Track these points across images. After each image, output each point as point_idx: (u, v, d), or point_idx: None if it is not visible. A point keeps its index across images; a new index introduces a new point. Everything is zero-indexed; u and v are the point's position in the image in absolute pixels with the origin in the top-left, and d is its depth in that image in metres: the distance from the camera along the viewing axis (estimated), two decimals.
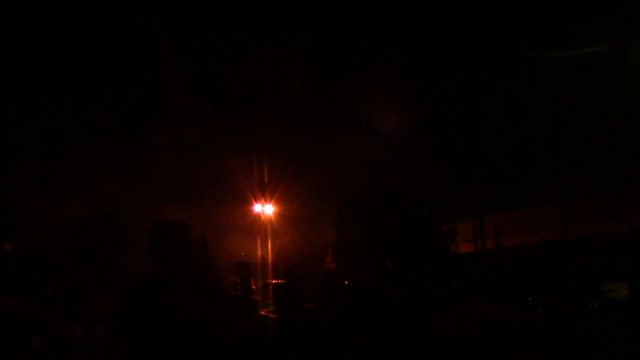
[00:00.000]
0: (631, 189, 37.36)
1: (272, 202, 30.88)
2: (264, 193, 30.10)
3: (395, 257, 21.66)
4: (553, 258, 7.67)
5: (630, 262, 6.09)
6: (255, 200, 30.80)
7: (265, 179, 29.66)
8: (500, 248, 38.52)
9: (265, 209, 31.16)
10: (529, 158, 65.57)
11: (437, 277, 11.84)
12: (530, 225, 41.24)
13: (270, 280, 20.87)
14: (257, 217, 31.32)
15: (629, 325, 7.35)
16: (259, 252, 29.97)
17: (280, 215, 31.25)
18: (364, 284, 7.23)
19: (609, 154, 65.55)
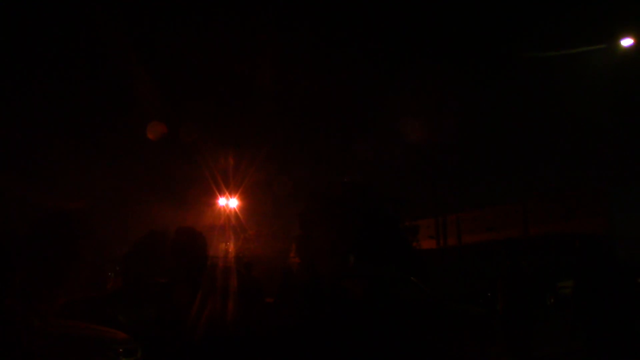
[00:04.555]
0: (590, 190, 38.33)
1: (237, 196, 30.72)
2: (228, 187, 29.92)
3: (358, 253, 21.81)
4: (512, 255, 7.78)
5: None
6: (220, 194, 30.60)
7: (231, 173, 29.49)
8: (462, 245, 39.09)
9: (229, 203, 30.99)
10: (492, 157, 66.65)
11: (396, 273, 11.97)
12: (492, 223, 41.94)
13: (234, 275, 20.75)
14: (221, 211, 31.15)
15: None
16: (223, 246, 29.79)
17: (244, 209, 31.13)
18: (322, 281, 7.29)
19: (569, 154, 67.07)
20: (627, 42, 16.51)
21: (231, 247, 29.07)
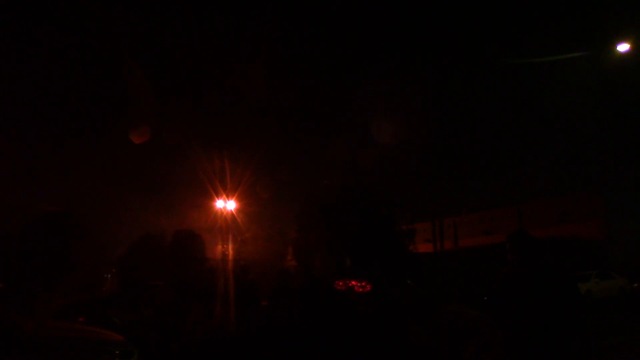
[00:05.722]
0: (585, 193, 38.49)
1: (234, 198, 30.68)
2: (225, 189, 29.90)
3: (354, 255, 21.85)
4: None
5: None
6: (217, 197, 30.55)
7: (228, 176, 29.47)
8: (459, 248, 39.16)
9: (227, 205, 30.95)
10: (488, 161, 66.85)
11: (392, 275, 11.98)
12: (488, 227, 42.06)
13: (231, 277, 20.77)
14: (219, 214, 31.11)
15: None
16: (220, 249, 29.77)
17: (242, 212, 31.11)
18: (318, 282, 7.31)
19: (565, 158, 67.28)
20: (623, 47, 16.59)
21: (228, 249, 29.07)
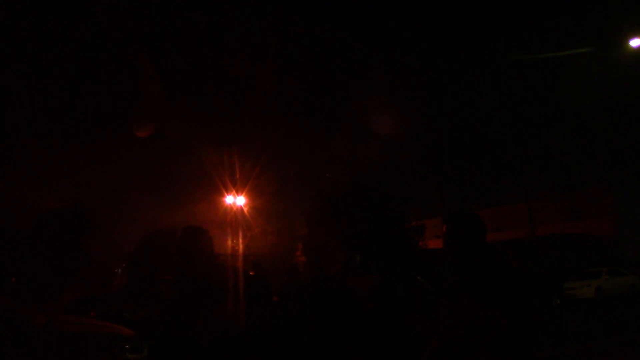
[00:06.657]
0: (595, 190, 38.22)
1: (244, 194, 30.71)
2: (235, 185, 29.94)
3: (364, 251, 21.85)
4: (519, 255, 7.75)
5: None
6: (227, 192, 30.58)
7: (237, 171, 29.51)
8: None
9: (236, 201, 30.98)
10: (499, 157, 66.53)
11: (401, 272, 11.96)
12: (499, 223, 41.87)
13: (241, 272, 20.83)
14: (228, 209, 31.16)
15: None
16: (230, 244, 29.84)
17: (251, 207, 31.14)
18: (327, 278, 7.32)
19: (574, 154, 66.83)
20: (635, 42, 16.47)
21: (238, 244, 29.14)
